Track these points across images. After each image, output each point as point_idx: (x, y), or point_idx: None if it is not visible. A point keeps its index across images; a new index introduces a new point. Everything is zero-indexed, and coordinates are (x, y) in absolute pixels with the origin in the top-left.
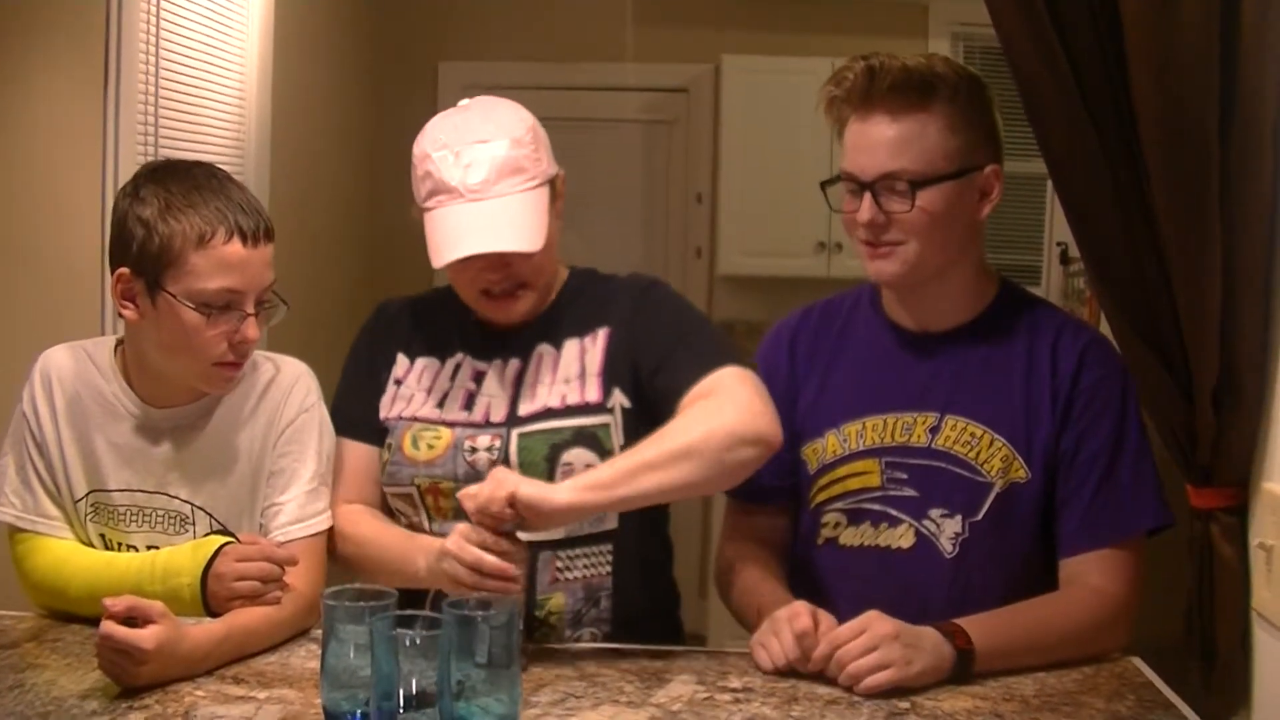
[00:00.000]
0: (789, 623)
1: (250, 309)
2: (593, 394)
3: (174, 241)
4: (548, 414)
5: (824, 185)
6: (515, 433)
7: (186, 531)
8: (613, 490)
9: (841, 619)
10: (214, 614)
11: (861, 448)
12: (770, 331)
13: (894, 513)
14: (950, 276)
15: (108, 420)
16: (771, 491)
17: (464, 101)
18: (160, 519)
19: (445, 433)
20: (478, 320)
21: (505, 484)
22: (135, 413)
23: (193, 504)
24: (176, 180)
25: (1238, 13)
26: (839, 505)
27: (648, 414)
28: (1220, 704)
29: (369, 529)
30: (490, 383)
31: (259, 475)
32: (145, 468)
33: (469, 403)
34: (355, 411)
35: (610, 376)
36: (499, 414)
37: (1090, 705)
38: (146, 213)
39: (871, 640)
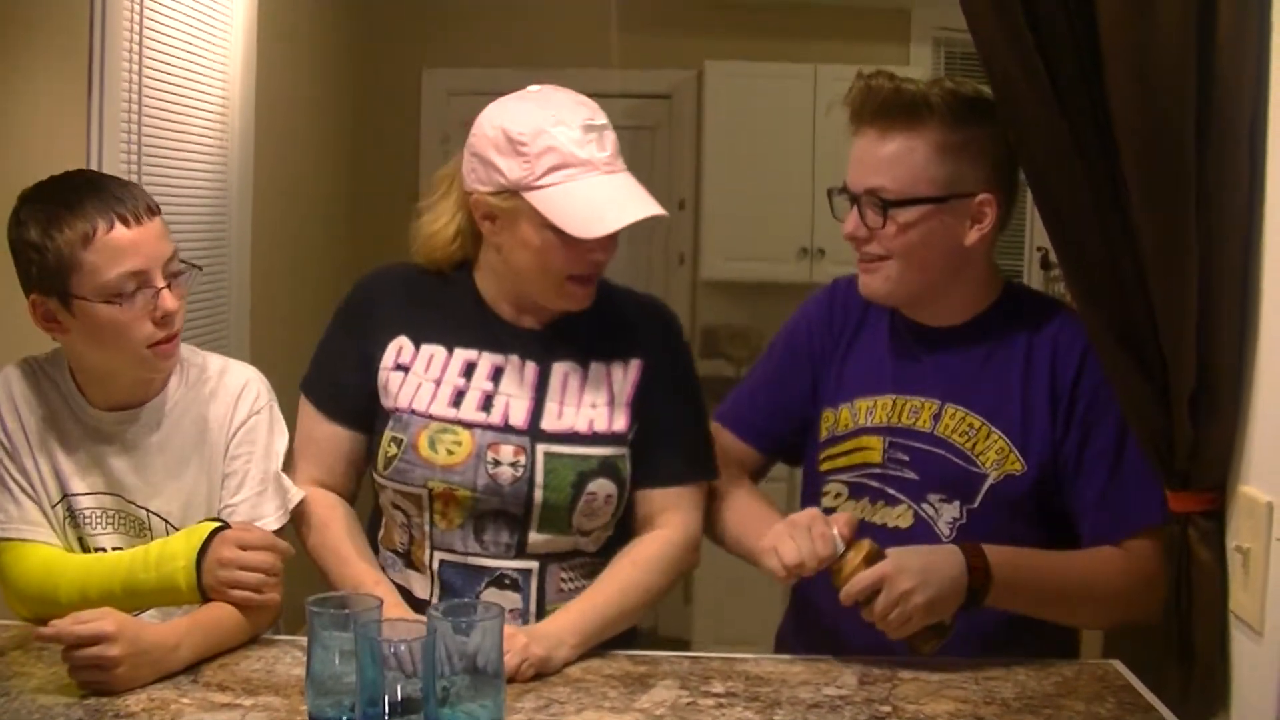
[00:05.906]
0: (808, 527)
1: (160, 283)
2: (620, 423)
3: (64, 250)
4: (574, 438)
5: (830, 193)
6: (541, 450)
7: (145, 536)
8: (599, 637)
9: (833, 592)
10: (209, 599)
11: (870, 424)
12: (823, 290)
13: (892, 492)
14: (945, 291)
15: (67, 427)
16: (760, 427)
17: (532, 87)
18: (123, 522)
19: (465, 437)
20: (494, 311)
21: (525, 651)
22: (90, 419)
23: (147, 509)
24: (50, 194)
25: (1214, 14)
26: (842, 477)
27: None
28: (1199, 706)
29: (335, 545)
30: (508, 381)
31: (213, 478)
32: (102, 472)
33: (486, 404)
34: (333, 387)
35: (635, 409)
36: (519, 418)
37: (1070, 708)
38: (32, 235)
39: (892, 599)
